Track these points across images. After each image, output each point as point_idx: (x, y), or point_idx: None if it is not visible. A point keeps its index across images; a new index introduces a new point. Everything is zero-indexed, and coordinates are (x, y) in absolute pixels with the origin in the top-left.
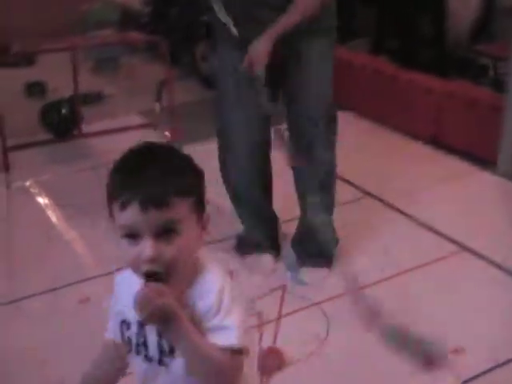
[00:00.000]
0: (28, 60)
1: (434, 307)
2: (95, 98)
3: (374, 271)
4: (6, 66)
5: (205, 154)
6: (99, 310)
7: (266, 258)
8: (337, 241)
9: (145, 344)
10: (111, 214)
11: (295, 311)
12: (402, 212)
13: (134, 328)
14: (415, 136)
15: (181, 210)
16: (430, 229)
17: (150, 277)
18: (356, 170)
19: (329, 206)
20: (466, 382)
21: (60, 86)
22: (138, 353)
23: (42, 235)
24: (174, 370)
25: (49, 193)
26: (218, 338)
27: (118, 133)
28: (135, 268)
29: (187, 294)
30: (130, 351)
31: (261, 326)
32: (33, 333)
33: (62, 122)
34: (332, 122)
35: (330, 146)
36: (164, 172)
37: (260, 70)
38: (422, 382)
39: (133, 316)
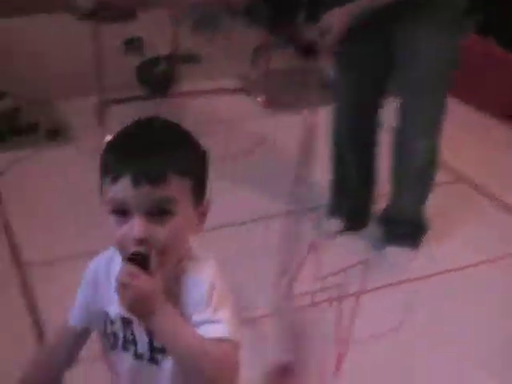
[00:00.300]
0: (128, 16)
1: None
2: (192, 58)
3: (460, 257)
4: (105, 21)
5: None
6: None
7: (334, 223)
8: (426, 226)
9: (134, 341)
10: (102, 190)
11: (376, 289)
12: (494, 198)
13: (118, 323)
14: None
15: (178, 188)
16: None
17: (134, 258)
18: (451, 154)
19: (424, 193)
20: None
21: (158, 44)
22: (125, 349)
23: None
24: (165, 368)
25: None
26: (208, 330)
27: (212, 95)
28: (122, 248)
29: (177, 283)
30: (114, 347)
31: (340, 299)
32: None
33: (158, 80)
34: (439, 111)
35: (433, 134)
36: (162, 146)
37: (329, 40)
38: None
39: (115, 310)
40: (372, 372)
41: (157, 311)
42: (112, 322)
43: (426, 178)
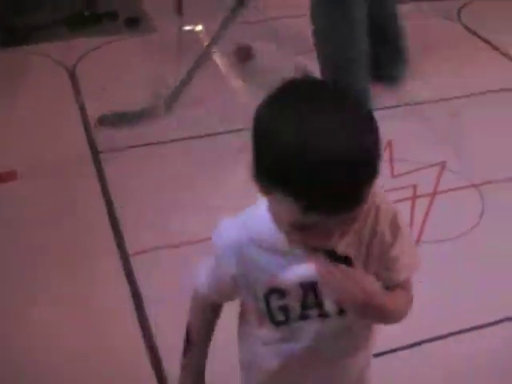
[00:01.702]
0: None
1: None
2: None
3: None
4: None
5: None
6: None
7: None
8: None
9: (318, 303)
10: (264, 192)
11: (451, 190)
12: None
13: (294, 293)
14: None
15: (367, 196)
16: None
17: (336, 259)
18: None
19: None
20: None
21: None
22: (304, 318)
23: (214, 79)
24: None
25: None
26: (406, 266)
27: None
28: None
29: (370, 228)
30: (281, 323)
31: (414, 198)
32: None
33: None
34: None
35: None
36: (357, 155)
37: None
38: None
39: (289, 281)
40: (441, 274)
41: (371, 306)
42: (282, 295)
43: None
